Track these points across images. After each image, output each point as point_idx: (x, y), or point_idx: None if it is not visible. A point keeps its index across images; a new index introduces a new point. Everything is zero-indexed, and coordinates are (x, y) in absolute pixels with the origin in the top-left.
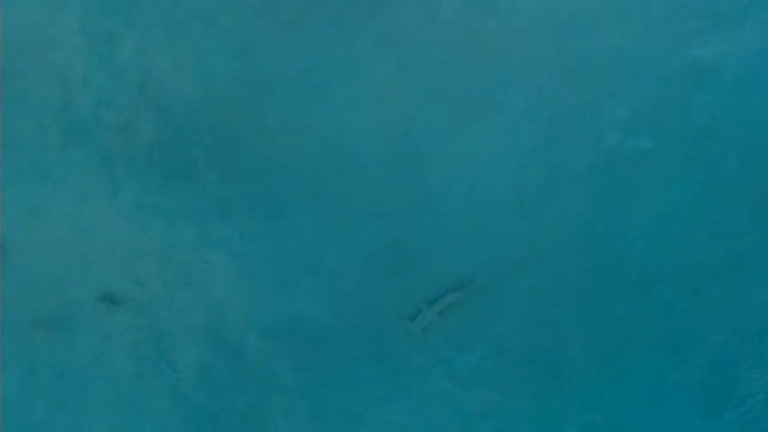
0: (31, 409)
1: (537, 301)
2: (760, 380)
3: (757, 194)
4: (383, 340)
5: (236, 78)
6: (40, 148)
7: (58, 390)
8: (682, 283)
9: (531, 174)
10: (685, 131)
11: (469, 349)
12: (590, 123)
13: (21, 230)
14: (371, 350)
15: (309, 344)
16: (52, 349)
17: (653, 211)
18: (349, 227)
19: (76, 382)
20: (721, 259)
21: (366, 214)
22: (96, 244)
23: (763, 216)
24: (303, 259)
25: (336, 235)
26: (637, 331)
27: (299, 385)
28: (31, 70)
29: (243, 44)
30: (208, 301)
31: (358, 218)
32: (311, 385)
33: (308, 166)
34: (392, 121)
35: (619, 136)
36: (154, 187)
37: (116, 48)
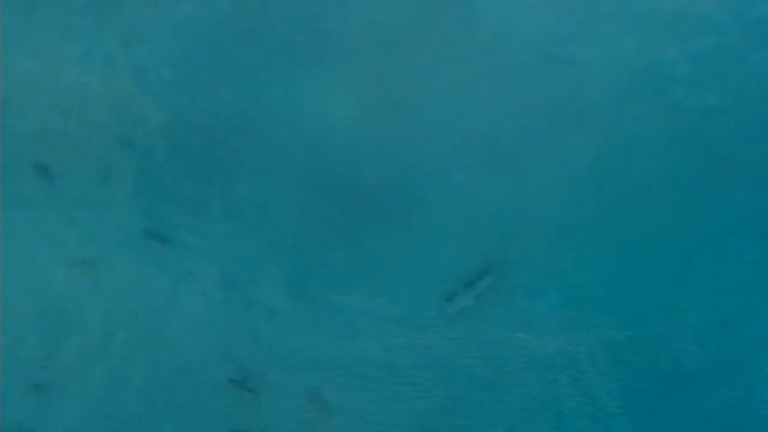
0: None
1: (607, 252)
2: None
3: None
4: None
5: None
6: None
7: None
8: (750, 235)
9: (598, 130)
10: (749, 87)
11: (543, 297)
12: (654, 79)
13: None
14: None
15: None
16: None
17: (720, 166)
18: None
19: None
20: None
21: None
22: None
23: None
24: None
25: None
26: (707, 282)
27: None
28: None
29: None
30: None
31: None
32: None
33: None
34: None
35: (683, 93)
36: None
37: None
